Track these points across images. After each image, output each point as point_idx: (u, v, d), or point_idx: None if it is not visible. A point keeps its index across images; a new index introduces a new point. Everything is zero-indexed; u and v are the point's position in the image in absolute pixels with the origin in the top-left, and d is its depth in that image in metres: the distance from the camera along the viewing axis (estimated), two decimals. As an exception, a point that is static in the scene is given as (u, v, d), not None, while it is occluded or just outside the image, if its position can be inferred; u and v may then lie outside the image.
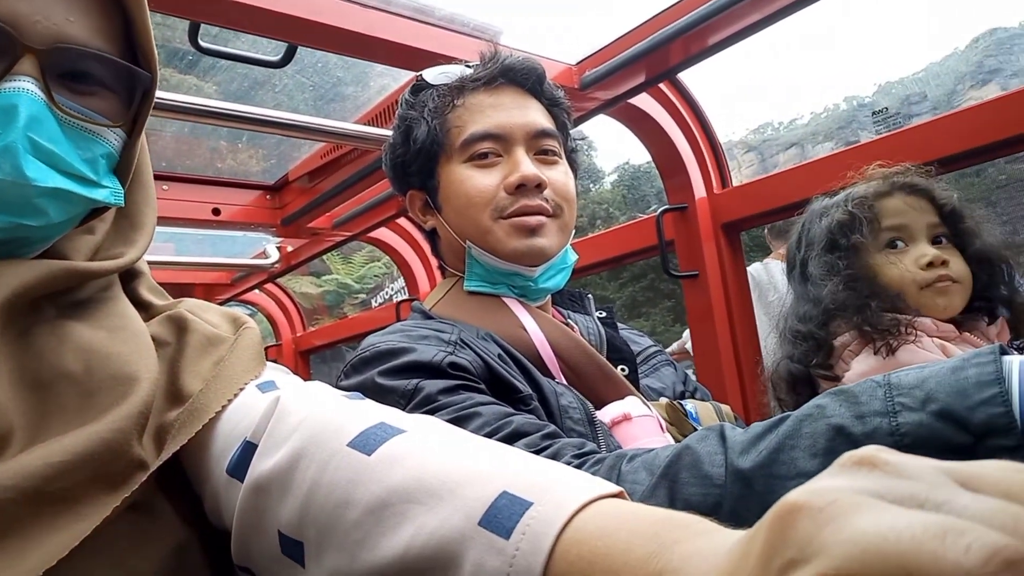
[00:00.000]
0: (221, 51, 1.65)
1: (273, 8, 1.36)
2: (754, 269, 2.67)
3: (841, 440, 0.60)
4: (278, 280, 3.79)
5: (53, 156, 0.55)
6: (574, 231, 1.08)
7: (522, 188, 0.98)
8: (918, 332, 1.04)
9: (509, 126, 1.01)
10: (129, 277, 0.72)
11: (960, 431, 0.57)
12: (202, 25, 1.48)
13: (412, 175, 1.07)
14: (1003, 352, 0.59)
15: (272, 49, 1.73)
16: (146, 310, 0.70)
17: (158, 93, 1.49)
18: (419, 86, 1.08)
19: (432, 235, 1.12)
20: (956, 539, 0.20)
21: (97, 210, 0.65)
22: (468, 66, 1.06)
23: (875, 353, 1.04)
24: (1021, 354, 0.58)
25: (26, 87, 0.54)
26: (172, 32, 2.07)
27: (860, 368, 1.06)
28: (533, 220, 0.99)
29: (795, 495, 0.25)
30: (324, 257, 3.45)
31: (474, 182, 1.00)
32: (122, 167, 0.64)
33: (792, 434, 0.62)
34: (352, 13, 1.48)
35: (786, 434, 0.62)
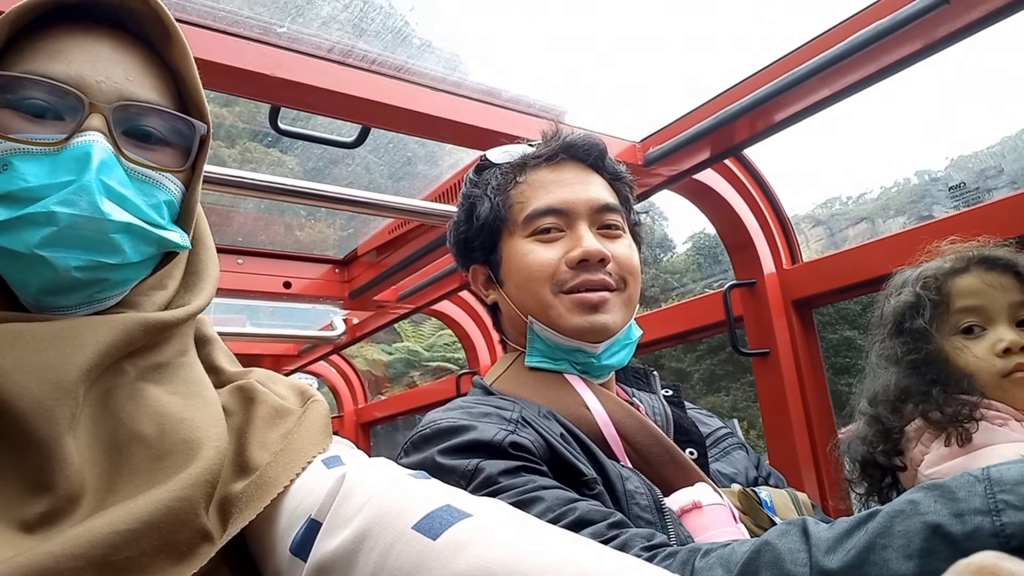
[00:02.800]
0: (299, 133, 1.74)
1: (347, 92, 1.44)
2: None
3: (939, 540, 0.55)
4: (342, 351, 3.85)
5: (123, 199, 0.60)
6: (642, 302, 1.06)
7: (584, 263, 0.97)
8: (1002, 416, 0.96)
9: (571, 201, 1.01)
10: (203, 343, 0.74)
11: None
12: (282, 108, 1.57)
13: (475, 250, 1.08)
14: None
15: (347, 130, 1.81)
16: (217, 375, 0.72)
17: (238, 172, 1.58)
18: (483, 165, 1.10)
19: (494, 309, 1.12)
20: None
21: (167, 258, 0.68)
22: (531, 144, 1.08)
23: (946, 445, 0.97)
24: None
25: (96, 139, 0.59)
26: (258, 110, 2.21)
27: (933, 458, 0.99)
28: (595, 296, 0.97)
29: None
30: (396, 325, 3.52)
31: (536, 256, 1.00)
32: (184, 216, 0.69)
33: (883, 532, 0.57)
34: (422, 96, 1.54)
35: (877, 532, 0.57)
